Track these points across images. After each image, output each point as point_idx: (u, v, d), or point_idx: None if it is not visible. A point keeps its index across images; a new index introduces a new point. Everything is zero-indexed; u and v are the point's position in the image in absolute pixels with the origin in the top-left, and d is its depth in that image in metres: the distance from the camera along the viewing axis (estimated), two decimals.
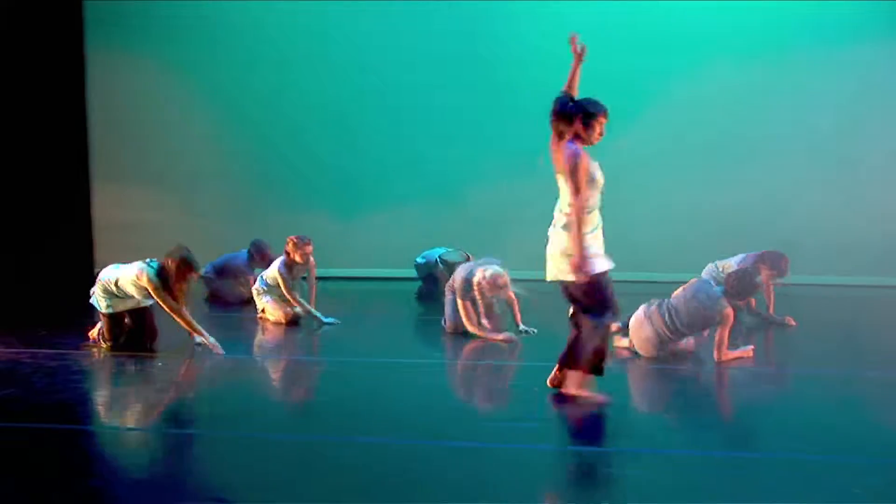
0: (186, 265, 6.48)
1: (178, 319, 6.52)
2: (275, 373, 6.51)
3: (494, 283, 7.25)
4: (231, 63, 11.98)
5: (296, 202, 11.81)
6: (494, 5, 11.61)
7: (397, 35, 11.77)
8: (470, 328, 7.35)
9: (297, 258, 8.05)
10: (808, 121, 10.98)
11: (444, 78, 11.68)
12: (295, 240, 8.07)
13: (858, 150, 10.93)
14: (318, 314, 8.12)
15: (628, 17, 11.29)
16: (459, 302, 7.38)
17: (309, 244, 8.06)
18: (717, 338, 6.23)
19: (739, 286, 6.33)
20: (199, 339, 6.62)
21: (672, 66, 11.02)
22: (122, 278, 6.63)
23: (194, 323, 6.59)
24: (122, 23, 11.97)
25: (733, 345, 6.44)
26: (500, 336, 7.24)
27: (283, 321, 8.07)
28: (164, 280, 6.46)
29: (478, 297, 7.36)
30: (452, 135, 11.63)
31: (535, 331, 7.42)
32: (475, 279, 7.31)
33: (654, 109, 10.86)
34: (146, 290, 6.50)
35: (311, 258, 8.16)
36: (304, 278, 8.42)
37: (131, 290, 6.60)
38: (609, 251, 5.03)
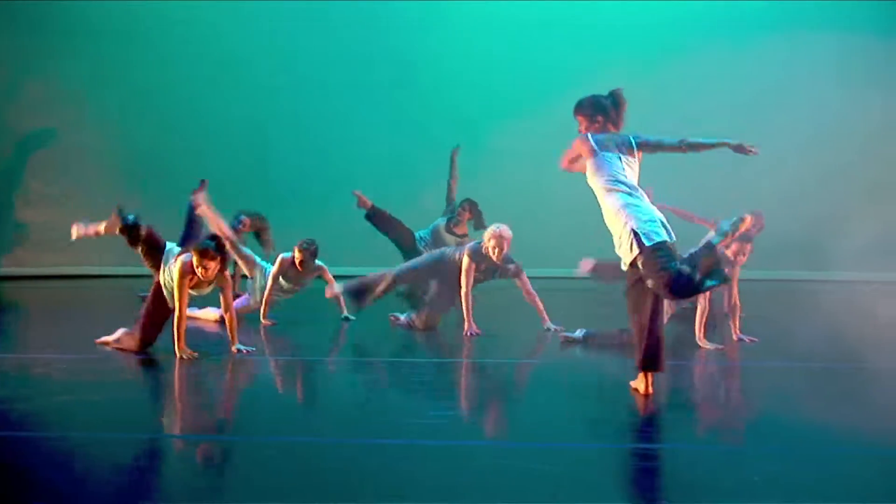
0: (203, 254, 5.93)
1: (175, 318, 6.03)
2: (238, 374, 6.07)
3: (501, 235, 7.11)
4: (117, 60, 11.77)
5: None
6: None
7: (292, 31, 11.95)
8: (464, 293, 7.24)
9: (298, 264, 7.64)
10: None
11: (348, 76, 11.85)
12: (300, 248, 7.63)
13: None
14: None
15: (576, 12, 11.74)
16: (467, 260, 7.19)
17: (314, 257, 7.67)
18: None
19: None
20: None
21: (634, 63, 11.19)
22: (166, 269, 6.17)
23: (181, 331, 6.04)
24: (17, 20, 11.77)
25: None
26: (472, 326, 7.20)
27: (216, 319, 7.56)
28: (191, 270, 5.96)
29: (490, 254, 7.14)
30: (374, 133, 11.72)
31: (562, 328, 7.12)
32: (486, 236, 7.17)
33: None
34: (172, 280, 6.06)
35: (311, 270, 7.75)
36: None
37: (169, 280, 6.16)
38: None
